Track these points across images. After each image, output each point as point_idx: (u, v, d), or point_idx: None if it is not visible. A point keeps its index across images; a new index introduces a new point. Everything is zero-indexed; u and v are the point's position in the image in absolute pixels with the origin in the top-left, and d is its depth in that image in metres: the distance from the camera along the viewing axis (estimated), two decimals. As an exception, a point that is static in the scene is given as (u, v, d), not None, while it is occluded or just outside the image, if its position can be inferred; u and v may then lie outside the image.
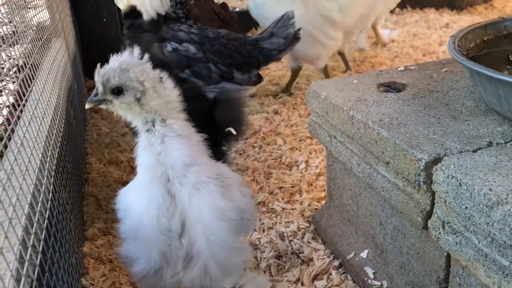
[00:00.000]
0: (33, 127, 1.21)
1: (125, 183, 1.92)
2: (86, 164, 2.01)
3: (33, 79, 1.50)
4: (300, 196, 1.74)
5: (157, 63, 1.36)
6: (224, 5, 2.77)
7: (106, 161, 2.05)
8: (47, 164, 1.10)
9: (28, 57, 1.51)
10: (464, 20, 3.92)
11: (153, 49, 1.69)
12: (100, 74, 0.96)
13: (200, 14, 2.49)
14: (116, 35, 3.16)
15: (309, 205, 1.68)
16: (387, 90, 1.29)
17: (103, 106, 1.00)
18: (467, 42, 1.25)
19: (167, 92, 1.00)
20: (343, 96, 1.28)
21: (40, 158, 1.08)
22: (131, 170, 2.00)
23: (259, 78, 2.11)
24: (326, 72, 2.76)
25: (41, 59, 1.77)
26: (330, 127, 1.32)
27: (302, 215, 1.63)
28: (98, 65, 0.98)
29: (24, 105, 1.27)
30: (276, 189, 1.79)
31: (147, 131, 1.00)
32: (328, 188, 1.54)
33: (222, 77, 2.02)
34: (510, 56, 1.20)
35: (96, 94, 0.99)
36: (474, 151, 0.92)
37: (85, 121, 2.52)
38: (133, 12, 1.76)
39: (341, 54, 2.90)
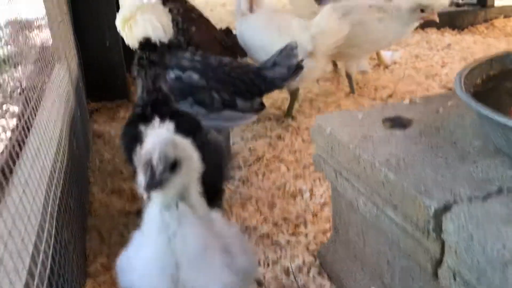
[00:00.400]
0: (36, 166, 1.20)
1: (127, 213, 1.91)
2: (88, 194, 2.00)
3: (35, 112, 1.50)
4: (305, 228, 1.72)
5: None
6: (227, 31, 2.79)
7: (108, 190, 2.04)
8: (49, 207, 1.09)
9: (31, 89, 1.50)
10: (466, 41, 3.93)
11: (158, 81, 1.66)
12: (156, 151, 0.85)
13: (202, 41, 2.50)
14: (119, 60, 3.17)
15: (314, 237, 1.65)
16: (393, 126, 1.28)
17: (157, 191, 0.88)
18: (473, 78, 1.24)
19: (194, 160, 0.93)
20: (348, 132, 1.27)
21: (42, 201, 1.06)
22: (133, 199, 1.98)
23: (262, 106, 2.11)
24: (294, 95, 2.70)
25: (43, 90, 1.77)
26: (335, 163, 1.30)
27: (307, 248, 1.61)
28: (139, 148, 0.89)
29: (23, 142, 1.25)
30: (280, 220, 1.77)
31: (166, 209, 0.90)
32: (333, 222, 1.52)
33: (225, 104, 2.02)
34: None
35: (153, 177, 0.84)
36: (484, 198, 0.90)
37: (88, 147, 2.51)
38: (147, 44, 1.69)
39: (348, 76, 2.91)
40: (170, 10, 2.43)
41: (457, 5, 4.90)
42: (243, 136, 2.48)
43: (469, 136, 1.18)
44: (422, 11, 2.66)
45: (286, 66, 2.02)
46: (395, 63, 3.41)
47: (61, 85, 2.10)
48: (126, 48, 3.35)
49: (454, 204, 0.90)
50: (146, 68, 1.58)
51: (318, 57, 2.53)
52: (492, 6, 4.50)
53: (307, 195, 1.91)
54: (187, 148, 0.92)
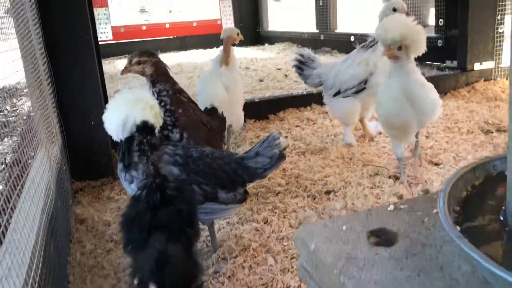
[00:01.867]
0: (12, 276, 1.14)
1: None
2: (66, 296, 1.91)
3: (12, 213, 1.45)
4: (293, 333, 1.64)
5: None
6: (212, 110, 2.79)
7: (88, 290, 1.95)
8: None
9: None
10: (449, 106, 3.99)
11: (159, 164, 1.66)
12: None
13: (187, 123, 2.50)
14: (104, 137, 3.15)
15: None
16: (378, 243, 1.24)
17: None
18: (457, 192, 1.22)
19: None
20: (332, 251, 1.22)
21: None
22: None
23: (245, 195, 2.08)
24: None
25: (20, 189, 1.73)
26: (320, 282, 1.25)
27: None
28: None
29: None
30: (267, 322, 1.69)
31: None
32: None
33: (206, 197, 2.00)
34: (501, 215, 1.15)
35: None
36: None
37: (70, 234, 2.43)
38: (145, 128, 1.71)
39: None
40: (160, 91, 2.46)
41: (439, 68, 5.03)
42: (229, 220, 2.43)
43: (456, 257, 1.14)
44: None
45: (269, 156, 2.02)
46: (380, 133, 3.43)
47: (41, 179, 2.06)
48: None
49: None
50: (147, 152, 1.63)
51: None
52: (472, 69, 4.61)
53: (295, 292, 1.84)
54: None
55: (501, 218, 1.12)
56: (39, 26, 2.78)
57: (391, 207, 1.42)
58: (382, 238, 1.26)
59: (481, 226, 1.10)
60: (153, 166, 1.57)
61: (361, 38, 6.15)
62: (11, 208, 1.45)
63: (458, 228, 1.04)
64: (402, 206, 1.42)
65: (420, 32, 2.33)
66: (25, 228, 1.59)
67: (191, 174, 1.94)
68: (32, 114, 2.24)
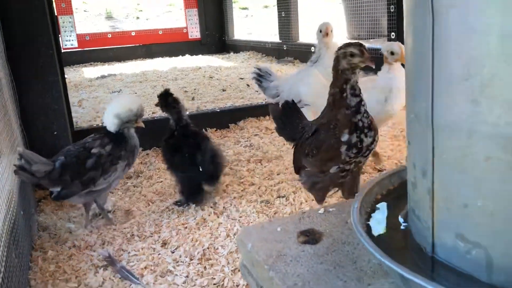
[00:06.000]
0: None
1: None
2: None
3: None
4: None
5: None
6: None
7: (48, 294, 2.06)
8: None
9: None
10: (399, 116, 4.25)
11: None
12: None
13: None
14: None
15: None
16: (306, 242, 1.43)
17: None
18: (371, 197, 1.42)
19: None
20: (266, 250, 1.40)
21: None
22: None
23: None
24: None
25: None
26: (257, 277, 1.42)
27: None
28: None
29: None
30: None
31: None
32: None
33: None
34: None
35: None
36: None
37: (32, 242, 2.52)
38: None
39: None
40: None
41: (391, 79, 5.32)
42: (186, 225, 2.58)
43: (368, 253, 1.33)
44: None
45: None
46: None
47: (3, 188, 2.16)
48: (74, 134, 3.45)
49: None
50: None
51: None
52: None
53: (243, 290, 2.00)
54: None
55: (401, 219, 1.32)
56: (1, 40, 2.87)
57: (322, 210, 1.61)
58: (310, 237, 1.45)
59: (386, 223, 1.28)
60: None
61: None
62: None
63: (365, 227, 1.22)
64: (331, 209, 1.62)
65: None
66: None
67: None
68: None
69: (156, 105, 2.92)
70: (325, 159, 1.94)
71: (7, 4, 2.93)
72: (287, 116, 2.40)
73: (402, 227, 1.27)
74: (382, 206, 1.39)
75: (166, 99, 2.86)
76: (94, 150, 2.54)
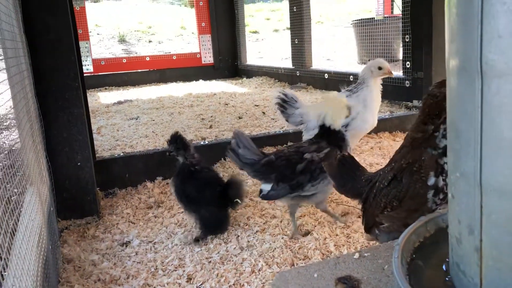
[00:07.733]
0: None
1: None
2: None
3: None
4: None
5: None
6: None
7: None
8: None
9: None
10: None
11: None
12: None
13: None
14: (90, 176, 3.29)
15: None
16: (345, 290, 1.43)
17: None
18: (410, 245, 1.43)
19: None
20: (305, 298, 1.41)
21: None
22: None
23: None
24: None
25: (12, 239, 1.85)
26: (295, 324, 1.43)
27: None
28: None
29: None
30: None
31: None
32: None
33: None
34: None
35: None
36: None
37: (58, 275, 2.54)
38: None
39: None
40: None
41: (407, 107, 5.35)
42: (210, 260, 2.59)
43: (409, 303, 1.34)
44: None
45: None
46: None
47: (34, 221, 2.19)
48: (96, 165, 3.50)
49: None
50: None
51: None
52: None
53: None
54: None
55: (444, 267, 1.32)
56: (31, 74, 2.95)
57: (357, 255, 1.62)
58: (348, 284, 1.46)
59: (427, 274, 1.29)
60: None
61: (346, 80, 6.50)
62: (7, 251, 1.58)
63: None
64: (366, 254, 1.62)
65: None
66: (22, 275, 1.71)
67: None
68: (22, 152, 2.38)
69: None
70: (412, 209, 1.73)
71: (36, 39, 3.01)
72: (346, 171, 2.17)
73: (446, 279, 1.28)
74: (422, 255, 1.40)
75: (176, 143, 2.88)
76: (307, 155, 2.59)
